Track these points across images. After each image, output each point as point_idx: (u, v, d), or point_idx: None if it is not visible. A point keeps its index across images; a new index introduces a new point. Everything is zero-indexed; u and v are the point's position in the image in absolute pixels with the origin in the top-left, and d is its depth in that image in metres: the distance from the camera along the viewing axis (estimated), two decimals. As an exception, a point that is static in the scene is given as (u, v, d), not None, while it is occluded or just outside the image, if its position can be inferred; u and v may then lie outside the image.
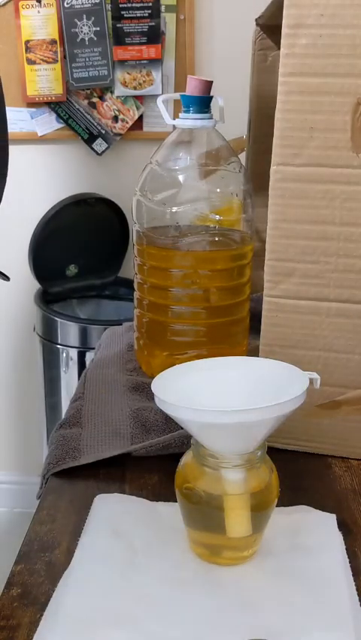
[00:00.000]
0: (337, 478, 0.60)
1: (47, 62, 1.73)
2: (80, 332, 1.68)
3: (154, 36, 1.70)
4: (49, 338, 1.73)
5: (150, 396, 0.47)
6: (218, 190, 0.71)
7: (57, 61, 1.73)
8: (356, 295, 0.57)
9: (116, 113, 1.78)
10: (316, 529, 0.52)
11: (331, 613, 0.44)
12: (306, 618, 0.44)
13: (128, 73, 1.73)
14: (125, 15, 1.68)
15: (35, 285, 1.82)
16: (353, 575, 0.48)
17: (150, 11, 1.68)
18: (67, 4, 1.68)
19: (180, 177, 0.70)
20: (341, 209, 0.55)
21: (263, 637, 0.41)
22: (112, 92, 1.76)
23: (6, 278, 0.94)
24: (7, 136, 0.81)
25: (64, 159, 1.84)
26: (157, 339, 0.74)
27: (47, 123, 1.80)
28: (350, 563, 0.49)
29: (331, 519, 0.53)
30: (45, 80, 1.74)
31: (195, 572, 0.48)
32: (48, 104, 1.78)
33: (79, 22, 1.70)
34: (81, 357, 1.70)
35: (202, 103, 0.69)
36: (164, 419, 0.66)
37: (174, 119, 0.71)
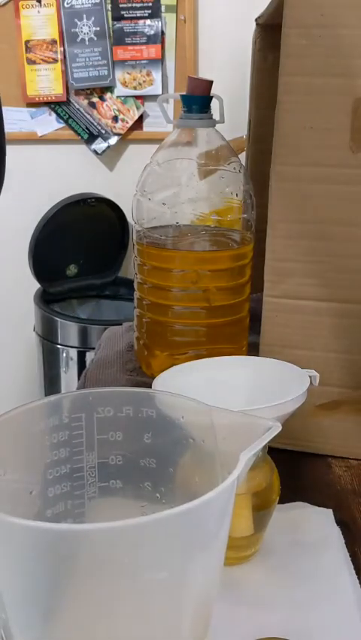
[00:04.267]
0: (337, 478, 0.60)
1: (47, 62, 1.73)
2: (80, 332, 1.68)
3: (154, 36, 1.70)
4: (49, 338, 1.73)
5: (150, 396, 0.47)
6: (218, 190, 0.71)
7: (57, 61, 1.73)
8: (356, 295, 0.57)
9: (116, 113, 1.78)
10: (314, 525, 0.52)
11: (337, 607, 0.44)
12: (312, 614, 0.44)
13: (128, 73, 1.73)
14: (125, 15, 1.69)
15: (35, 285, 1.82)
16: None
17: (150, 11, 1.68)
18: (67, 4, 1.69)
19: (180, 177, 0.70)
20: (341, 209, 0.55)
21: (270, 635, 0.42)
22: (112, 92, 1.76)
23: None
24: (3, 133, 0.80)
25: (64, 159, 1.84)
26: (157, 339, 0.74)
27: (47, 123, 1.80)
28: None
29: (328, 514, 0.53)
30: (45, 79, 1.74)
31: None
32: (48, 104, 1.78)
33: (79, 22, 1.70)
34: (81, 357, 1.70)
35: (202, 103, 0.69)
36: (164, 419, 0.66)
37: (174, 119, 0.71)
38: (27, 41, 1.72)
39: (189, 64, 1.73)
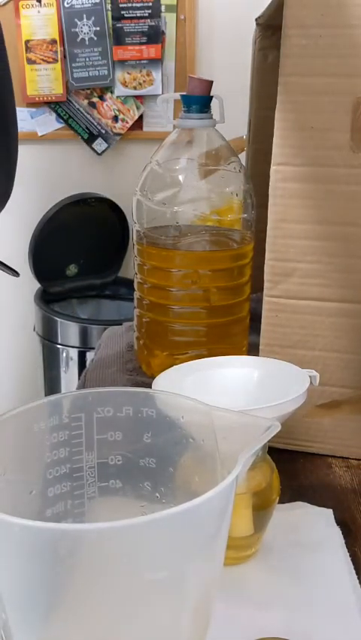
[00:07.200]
0: (337, 478, 0.60)
1: (47, 62, 1.73)
2: (80, 332, 1.69)
3: (154, 36, 1.70)
4: (49, 338, 1.73)
5: (150, 396, 0.47)
6: (218, 190, 0.71)
7: (57, 61, 1.73)
8: (356, 295, 0.57)
9: (116, 112, 1.78)
10: (314, 525, 0.52)
11: (337, 607, 0.44)
12: (312, 614, 0.44)
13: (128, 73, 1.73)
14: (125, 15, 1.69)
15: (35, 285, 1.82)
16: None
17: (150, 11, 1.68)
18: (67, 4, 1.69)
19: (180, 177, 0.70)
20: (341, 209, 0.55)
21: (270, 635, 0.42)
22: (112, 92, 1.76)
23: (15, 273, 0.93)
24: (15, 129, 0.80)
25: (64, 159, 1.84)
26: (157, 339, 0.74)
27: (47, 123, 1.80)
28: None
29: (328, 514, 0.53)
30: (45, 79, 1.74)
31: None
32: (48, 103, 1.78)
33: (79, 22, 1.70)
34: (81, 357, 1.70)
35: (202, 103, 0.69)
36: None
37: (174, 119, 0.71)
38: (27, 41, 1.72)
39: (189, 64, 1.73)
